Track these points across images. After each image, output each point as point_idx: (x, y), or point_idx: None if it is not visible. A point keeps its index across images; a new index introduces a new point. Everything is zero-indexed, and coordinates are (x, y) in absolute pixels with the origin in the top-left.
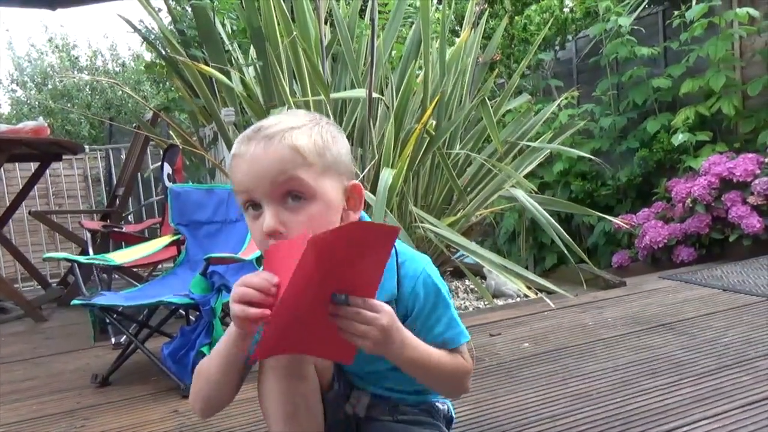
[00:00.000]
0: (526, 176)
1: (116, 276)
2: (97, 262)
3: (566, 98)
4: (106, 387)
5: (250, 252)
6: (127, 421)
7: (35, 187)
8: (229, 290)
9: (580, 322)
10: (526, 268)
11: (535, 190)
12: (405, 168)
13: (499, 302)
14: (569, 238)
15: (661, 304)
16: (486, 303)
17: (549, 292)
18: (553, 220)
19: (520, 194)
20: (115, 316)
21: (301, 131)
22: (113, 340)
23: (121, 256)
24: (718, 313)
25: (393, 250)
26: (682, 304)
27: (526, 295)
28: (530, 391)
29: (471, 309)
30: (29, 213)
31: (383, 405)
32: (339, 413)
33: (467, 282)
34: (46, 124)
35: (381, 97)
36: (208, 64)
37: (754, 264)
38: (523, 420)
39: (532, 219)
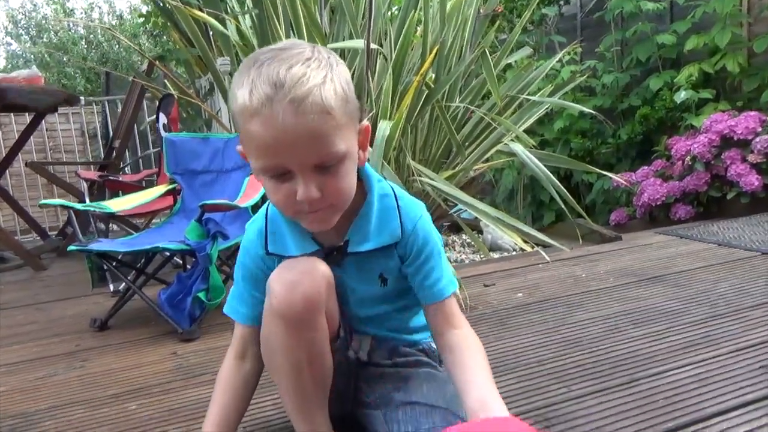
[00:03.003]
0: (526, 133)
1: (114, 227)
2: (93, 209)
3: (569, 53)
4: (105, 331)
5: (245, 200)
6: (127, 362)
7: (32, 141)
8: (224, 237)
9: (573, 274)
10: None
11: (535, 146)
12: (403, 120)
13: (495, 256)
14: (567, 194)
15: (654, 258)
16: (482, 256)
17: (544, 246)
18: (551, 176)
19: (518, 148)
20: (113, 264)
21: (325, 86)
22: (112, 288)
23: (117, 204)
24: (712, 267)
25: (391, 192)
26: (676, 258)
27: (522, 249)
28: (521, 338)
29: (467, 262)
30: (26, 164)
31: (383, 348)
32: (341, 359)
33: (464, 236)
34: (39, 73)
35: (379, 48)
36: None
37: (751, 221)
38: (512, 364)
39: (531, 177)
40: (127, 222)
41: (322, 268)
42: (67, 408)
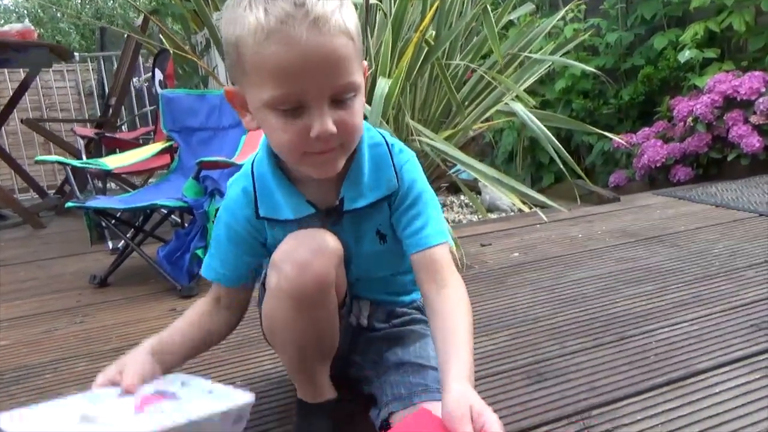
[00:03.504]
0: (527, 93)
1: (112, 186)
2: (90, 166)
3: (572, 11)
4: (104, 287)
5: (243, 157)
6: (126, 317)
7: (27, 99)
8: (221, 194)
9: (570, 235)
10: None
11: (536, 106)
12: (402, 78)
13: (493, 216)
14: (567, 155)
15: (652, 219)
16: (480, 217)
17: (542, 207)
18: (551, 136)
19: (518, 108)
20: (111, 221)
21: (344, 9)
22: (110, 246)
23: (114, 161)
24: (709, 228)
25: (382, 139)
26: (674, 219)
27: (520, 210)
28: (516, 296)
29: (464, 222)
30: (21, 121)
31: (380, 312)
32: (341, 323)
33: (462, 197)
34: (32, 27)
35: (379, 2)
36: None
37: (750, 182)
38: (508, 321)
39: (531, 138)
40: (124, 180)
41: (332, 244)
42: (68, 361)
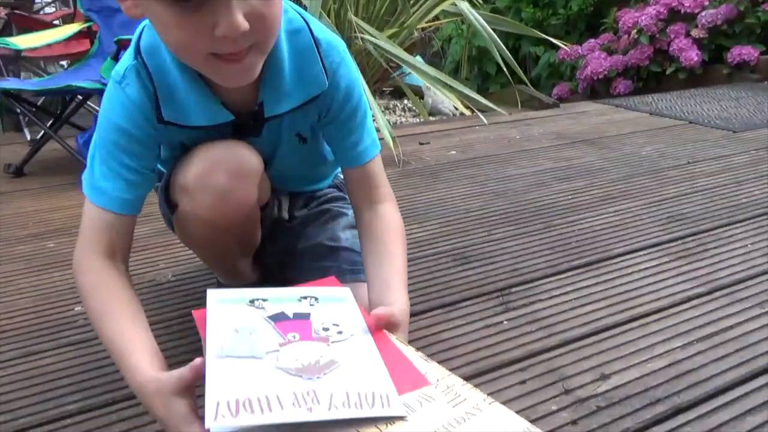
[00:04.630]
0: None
1: (31, 76)
2: None
3: None
4: (21, 177)
5: None
6: (44, 205)
7: None
8: None
9: (508, 136)
10: None
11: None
12: None
13: (434, 119)
14: (512, 59)
15: (587, 124)
16: (421, 120)
17: (484, 111)
18: (498, 39)
19: (465, 7)
20: (27, 108)
21: None
22: (28, 137)
23: (25, 41)
24: (640, 132)
25: (303, 23)
26: (608, 124)
27: (462, 114)
28: (450, 190)
29: (404, 122)
30: None
31: (300, 201)
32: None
33: (406, 101)
34: None
35: None
36: None
37: (685, 94)
38: (440, 211)
39: (479, 48)
40: (39, 67)
41: (253, 162)
42: None
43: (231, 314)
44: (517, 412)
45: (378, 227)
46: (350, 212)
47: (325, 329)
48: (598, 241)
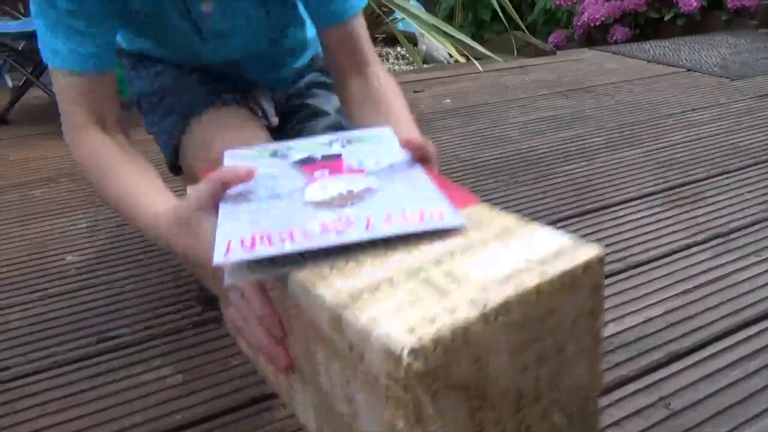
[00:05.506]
0: None
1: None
2: None
3: None
4: (4, 126)
5: None
6: (30, 154)
7: None
8: None
9: (503, 84)
10: None
11: None
12: None
13: (428, 66)
14: (508, 3)
15: (584, 71)
16: (416, 67)
17: (478, 59)
18: None
19: None
20: (6, 52)
21: None
22: (9, 83)
23: None
24: (637, 80)
25: None
26: (605, 72)
27: (456, 61)
28: (442, 137)
29: (398, 70)
30: None
31: (281, 92)
32: None
33: (399, 48)
34: None
35: None
36: None
37: (684, 40)
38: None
39: None
40: (18, 10)
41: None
42: None
43: (249, 163)
44: None
45: (375, 90)
46: (332, 108)
47: (360, 163)
48: (593, 191)
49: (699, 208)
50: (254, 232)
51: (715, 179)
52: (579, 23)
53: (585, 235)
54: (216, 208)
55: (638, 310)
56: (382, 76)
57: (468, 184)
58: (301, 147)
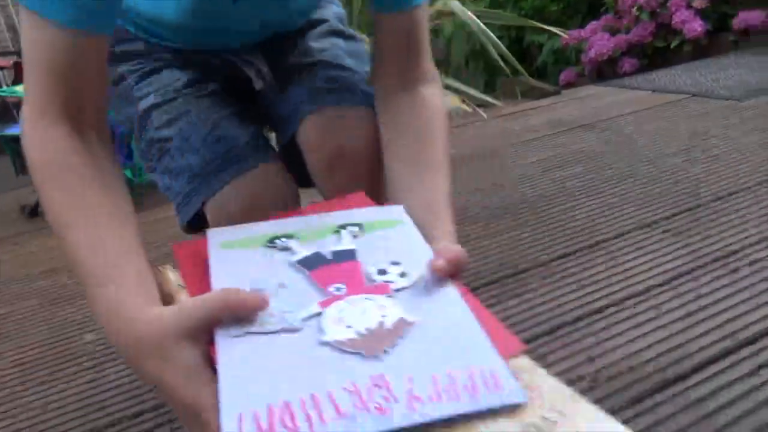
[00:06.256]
0: None
1: None
2: (5, 94)
3: None
4: (36, 217)
5: None
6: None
7: None
8: None
9: (508, 128)
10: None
11: (486, 6)
12: None
13: None
14: (506, 50)
15: (588, 108)
16: None
17: (484, 106)
18: (489, 32)
19: (456, 6)
20: None
21: None
22: None
23: None
24: (642, 111)
25: None
26: (609, 106)
27: (464, 111)
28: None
29: None
30: None
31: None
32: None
33: None
34: None
35: None
36: None
37: (689, 66)
38: None
39: (481, 41)
40: None
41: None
42: (2, 286)
43: (244, 264)
44: None
45: (418, 119)
46: (332, 14)
47: (382, 272)
48: (590, 226)
49: (696, 234)
50: (271, 402)
51: (715, 203)
52: (587, 59)
53: (578, 272)
54: (209, 339)
55: (629, 341)
56: (434, 104)
57: (473, 229)
58: (302, 233)
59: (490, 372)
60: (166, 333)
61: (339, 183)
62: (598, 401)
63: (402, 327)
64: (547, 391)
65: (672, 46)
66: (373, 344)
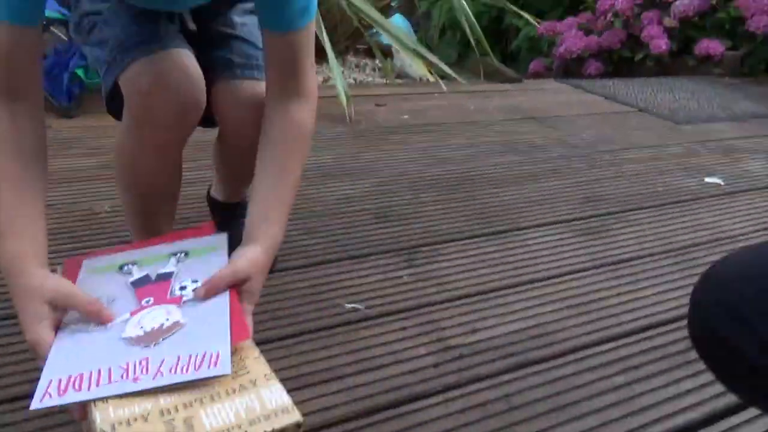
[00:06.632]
0: None
1: None
2: None
3: None
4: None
5: None
6: None
7: None
8: None
9: (463, 106)
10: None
11: None
12: None
13: (399, 81)
14: (479, 30)
15: (543, 102)
16: (387, 82)
17: (447, 79)
18: (467, 9)
19: None
20: None
21: None
22: None
23: None
24: (589, 115)
25: None
26: (562, 105)
27: (427, 79)
28: (393, 152)
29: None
30: None
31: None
32: None
33: (376, 61)
34: None
35: None
36: None
37: (646, 82)
38: (376, 172)
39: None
40: None
41: (197, 69)
42: None
43: (99, 284)
44: (390, 354)
45: (281, 131)
46: None
47: (182, 288)
48: (511, 213)
49: (601, 238)
50: (72, 373)
51: (626, 213)
52: (557, 54)
53: (490, 252)
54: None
55: (512, 321)
56: (300, 118)
57: (403, 196)
58: (144, 260)
59: (217, 354)
60: (42, 292)
61: (240, 144)
62: (467, 368)
63: (175, 327)
64: (250, 367)
65: (636, 58)
66: (151, 339)
